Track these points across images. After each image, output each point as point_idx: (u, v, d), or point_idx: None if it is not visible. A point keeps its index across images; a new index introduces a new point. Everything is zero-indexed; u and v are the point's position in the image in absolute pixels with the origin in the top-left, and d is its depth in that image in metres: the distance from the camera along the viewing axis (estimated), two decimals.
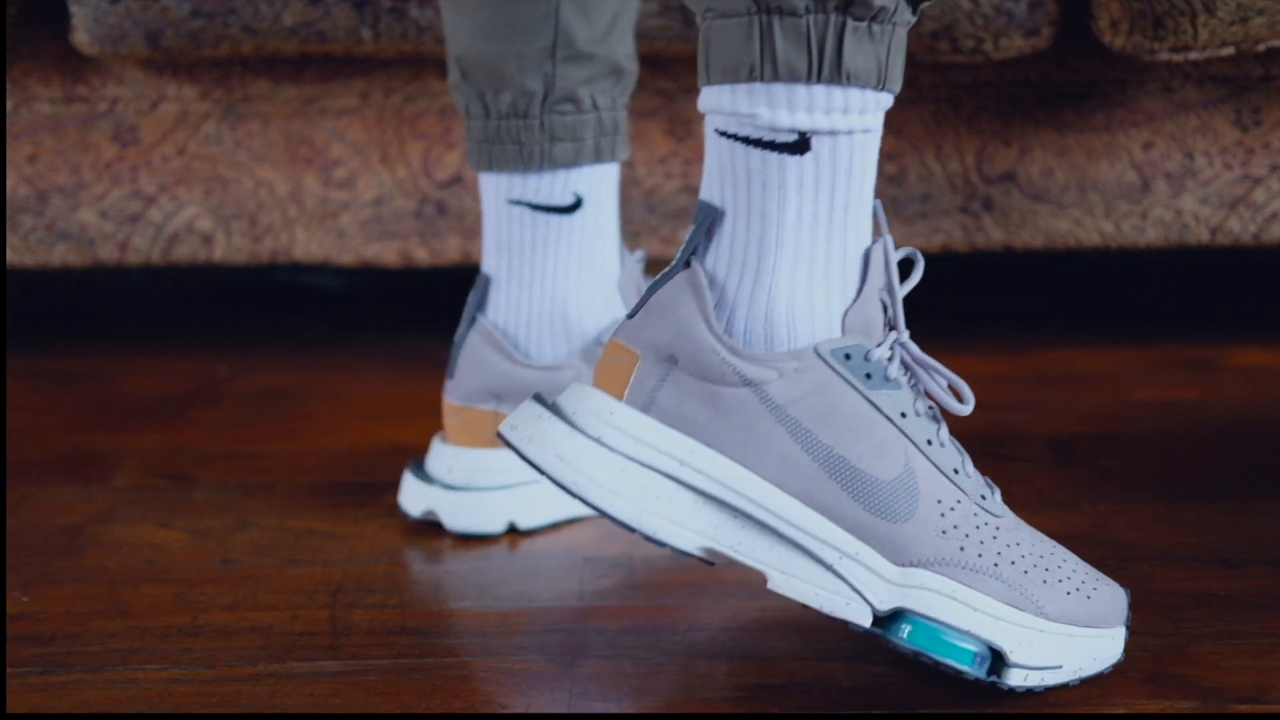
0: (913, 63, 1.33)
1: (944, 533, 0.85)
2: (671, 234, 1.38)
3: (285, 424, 1.31)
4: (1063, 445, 1.23)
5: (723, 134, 0.84)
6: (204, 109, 1.37)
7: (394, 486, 1.14)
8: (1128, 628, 0.89)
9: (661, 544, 0.84)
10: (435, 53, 1.30)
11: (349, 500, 1.14)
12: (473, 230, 1.39)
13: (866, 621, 0.85)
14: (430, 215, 1.39)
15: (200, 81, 1.36)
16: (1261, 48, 1.25)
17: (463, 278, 1.27)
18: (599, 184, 1.10)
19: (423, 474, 1.11)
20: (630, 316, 0.87)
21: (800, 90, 0.82)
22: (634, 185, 1.37)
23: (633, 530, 0.84)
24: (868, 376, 0.85)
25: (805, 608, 0.97)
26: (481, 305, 1.10)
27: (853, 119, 0.83)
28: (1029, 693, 0.86)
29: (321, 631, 0.95)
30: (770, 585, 0.85)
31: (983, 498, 0.87)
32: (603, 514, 0.84)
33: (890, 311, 0.87)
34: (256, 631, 0.96)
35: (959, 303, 1.61)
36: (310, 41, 1.28)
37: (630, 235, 1.37)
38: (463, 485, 1.09)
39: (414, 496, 1.10)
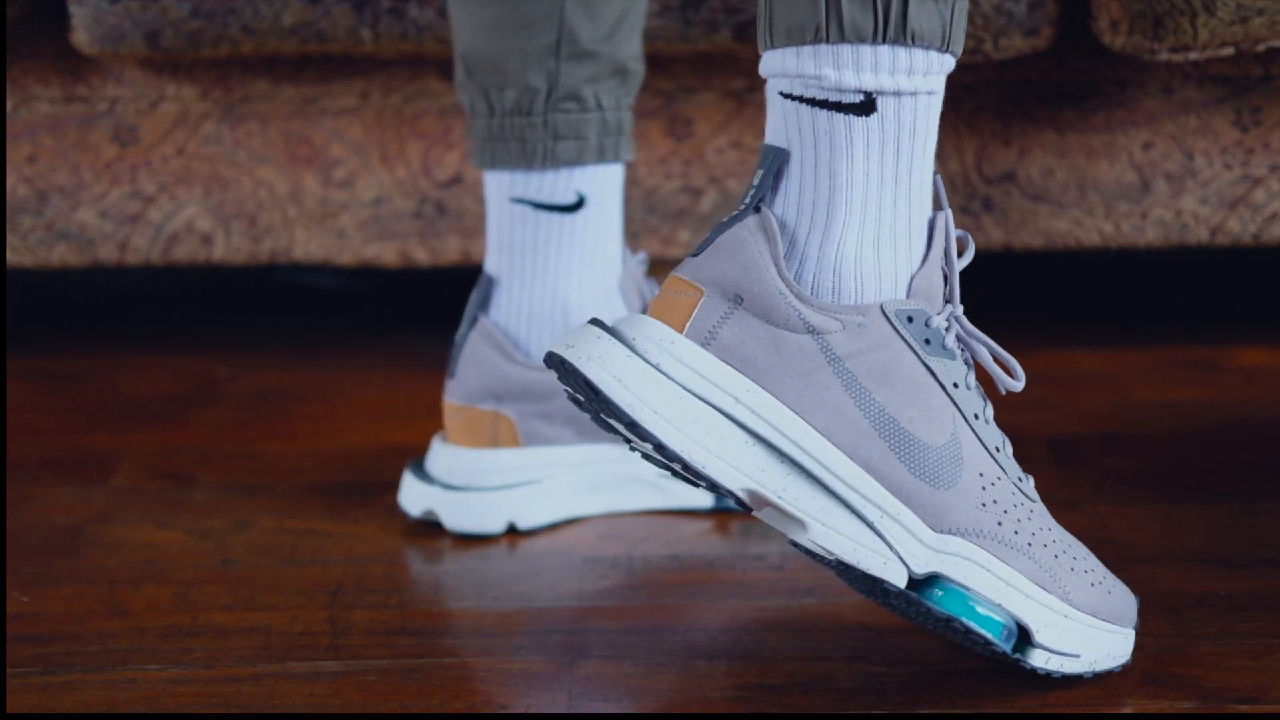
0: None
1: (984, 505, 0.85)
2: (671, 234, 1.38)
3: (285, 424, 1.31)
4: (1063, 445, 1.23)
5: (787, 96, 0.85)
6: (203, 109, 1.37)
7: (394, 486, 1.14)
8: (1136, 632, 0.89)
9: (707, 478, 0.84)
10: (435, 53, 1.30)
11: (349, 500, 1.14)
12: (472, 230, 1.39)
13: (902, 582, 0.85)
14: (430, 215, 1.39)
15: (200, 81, 1.36)
16: (1261, 48, 1.25)
17: (463, 278, 1.27)
18: (602, 184, 1.10)
19: (422, 474, 1.11)
20: (694, 255, 0.87)
21: (866, 50, 0.83)
22: (634, 185, 1.37)
23: (680, 460, 0.83)
24: (926, 342, 0.86)
25: (802, 606, 0.97)
26: (484, 305, 1.10)
27: (917, 80, 0.84)
28: (1047, 676, 0.86)
29: (321, 631, 0.95)
30: (809, 535, 0.84)
31: (1020, 479, 0.88)
32: (653, 440, 0.83)
33: (949, 284, 0.88)
34: (256, 631, 0.96)
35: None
36: (310, 41, 1.28)
37: (630, 235, 1.37)
38: (463, 485, 1.09)
39: (414, 497, 1.10)
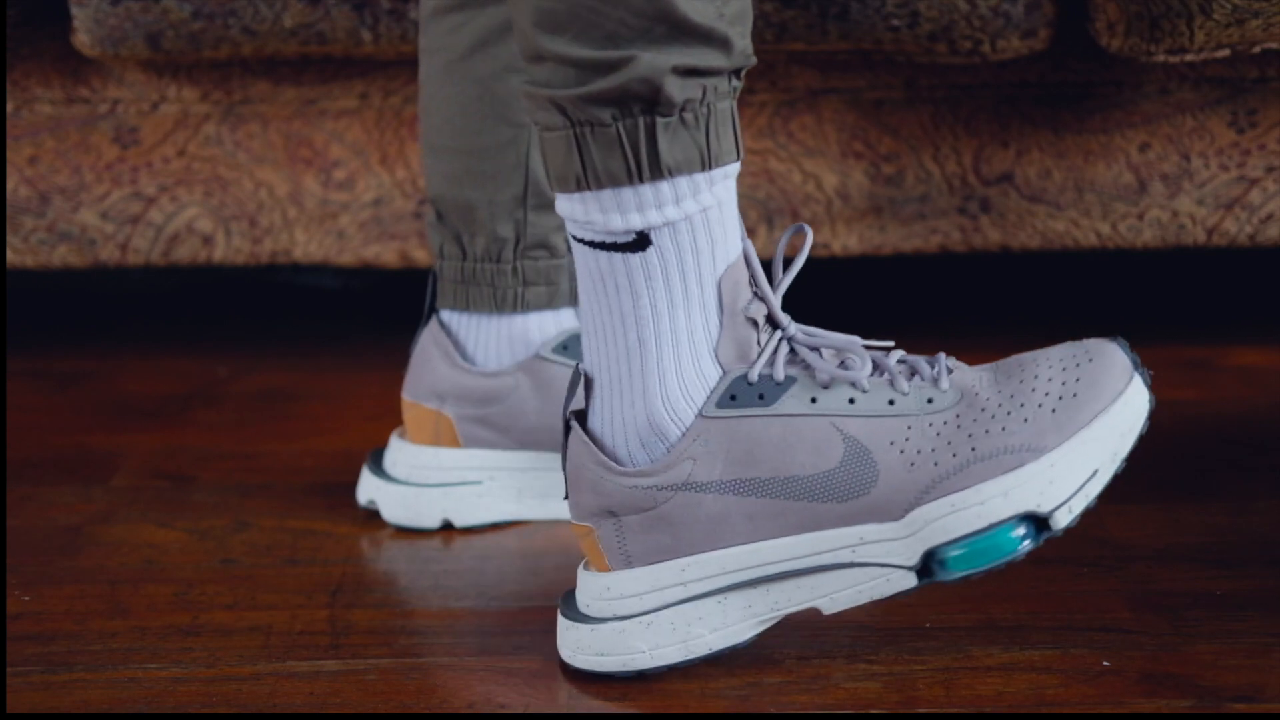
0: (911, 64, 1.33)
1: (912, 465, 0.85)
2: None
3: (285, 424, 1.32)
4: None
5: (575, 239, 0.86)
6: (204, 110, 1.37)
7: None
8: (1137, 368, 0.88)
9: (725, 652, 0.88)
10: None
11: (349, 500, 1.14)
12: None
13: (913, 581, 0.86)
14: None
15: (200, 83, 1.36)
16: (1257, 50, 1.26)
17: None
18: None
19: (377, 465, 1.12)
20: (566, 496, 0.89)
21: (627, 193, 0.84)
22: None
23: (697, 660, 0.88)
24: (761, 397, 0.86)
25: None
26: (435, 303, 1.12)
27: (687, 206, 0.84)
28: (1093, 510, 0.87)
29: (321, 631, 0.96)
30: (826, 613, 0.88)
31: (929, 401, 0.87)
32: (663, 669, 0.88)
33: (769, 311, 0.88)
34: (256, 631, 0.96)
35: (957, 304, 1.61)
36: (310, 43, 1.29)
37: None
38: (402, 479, 1.11)
39: (363, 486, 1.12)
